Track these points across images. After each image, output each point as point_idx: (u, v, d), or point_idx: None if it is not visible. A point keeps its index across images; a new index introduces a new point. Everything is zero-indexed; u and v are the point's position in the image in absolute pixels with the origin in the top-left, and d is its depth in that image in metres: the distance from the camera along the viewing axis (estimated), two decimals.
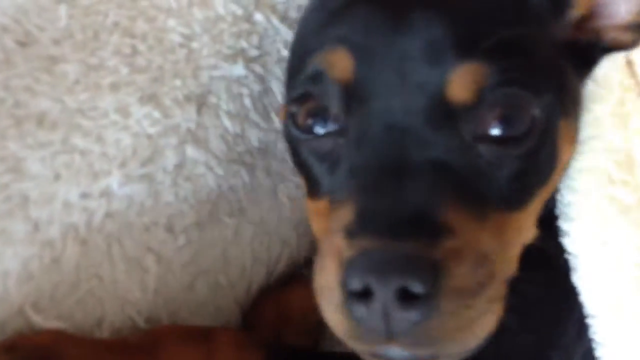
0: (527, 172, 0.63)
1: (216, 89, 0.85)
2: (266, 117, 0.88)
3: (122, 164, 0.78)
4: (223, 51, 0.87)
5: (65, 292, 0.74)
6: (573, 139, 0.68)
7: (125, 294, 0.77)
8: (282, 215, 0.90)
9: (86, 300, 0.75)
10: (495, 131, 0.61)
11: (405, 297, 0.53)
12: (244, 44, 0.88)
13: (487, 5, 0.64)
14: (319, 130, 0.65)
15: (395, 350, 0.57)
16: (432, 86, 0.60)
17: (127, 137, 0.79)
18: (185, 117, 0.82)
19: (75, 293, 0.74)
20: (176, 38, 0.85)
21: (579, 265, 0.70)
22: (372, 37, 0.62)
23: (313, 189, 0.67)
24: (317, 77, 0.64)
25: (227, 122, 0.85)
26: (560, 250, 0.70)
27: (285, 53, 0.92)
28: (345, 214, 0.58)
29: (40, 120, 0.76)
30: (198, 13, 0.87)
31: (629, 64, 0.69)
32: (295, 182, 0.90)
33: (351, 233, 0.57)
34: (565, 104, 0.66)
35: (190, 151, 0.82)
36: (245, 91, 0.87)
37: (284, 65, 0.91)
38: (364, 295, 0.54)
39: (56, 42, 0.79)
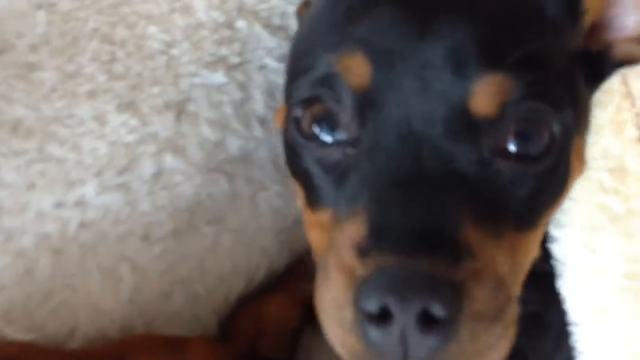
0: (543, 191, 0.61)
1: (196, 96, 0.85)
2: (247, 125, 0.88)
3: (98, 173, 0.78)
4: (204, 58, 0.87)
5: (38, 302, 0.73)
6: (583, 156, 0.66)
7: (99, 304, 0.76)
8: (262, 224, 0.89)
9: (59, 310, 0.74)
10: (515, 147, 0.59)
11: (426, 321, 0.50)
12: (225, 51, 0.88)
13: (511, 18, 0.62)
14: (326, 138, 0.61)
15: None
16: (454, 96, 0.57)
17: (104, 145, 0.78)
18: (164, 125, 0.82)
19: (48, 303, 0.74)
20: (156, 45, 0.85)
21: (566, 273, 0.69)
22: (392, 42, 0.59)
23: (314, 199, 0.63)
24: (328, 80, 0.60)
25: (206, 130, 0.84)
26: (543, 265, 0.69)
27: (267, 61, 0.91)
28: (356, 229, 0.55)
29: (15, 128, 0.75)
30: (179, 20, 0.87)
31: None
32: (276, 191, 0.90)
33: (364, 249, 0.54)
34: (579, 120, 0.64)
35: (169, 160, 0.81)
36: (225, 99, 0.86)
37: (266, 72, 0.91)
38: (380, 317, 0.51)
39: (33, 48, 0.79)
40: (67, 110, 0.78)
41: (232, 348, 0.79)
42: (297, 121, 0.63)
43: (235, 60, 0.88)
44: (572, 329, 0.70)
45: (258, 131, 0.88)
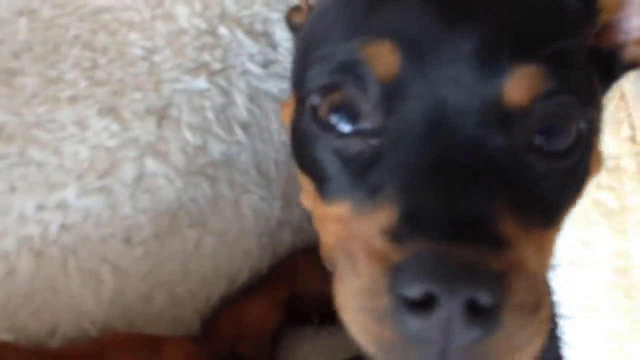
0: (568, 189, 0.61)
1: (178, 101, 0.86)
2: (229, 129, 0.89)
3: (79, 177, 0.79)
4: (186, 64, 0.88)
5: (19, 303, 0.74)
6: (600, 155, 0.65)
7: (79, 305, 0.77)
8: (245, 226, 0.90)
9: (40, 311, 0.75)
10: (544, 142, 0.58)
11: (472, 310, 0.48)
12: (207, 57, 0.89)
13: (539, 12, 0.61)
14: (344, 127, 0.59)
15: None
16: (488, 87, 0.56)
17: (85, 149, 0.80)
18: (145, 129, 0.83)
19: (29, 304, 0.75)
20: (138, 51, 0.86)
21: (558, 266, 0.69)
22: (422, 31, 0.57)
23: (328, 191, 0.60)
24: (349, 68, 0.58)
25: (188, 135, 0.85)
26: None
27: (249, 66, 0.93)
28: (386, 216, 0.53)
29: None
30: (161, 27, 0.89)
31: None
32: (258, 194, 0.91)
33: (399, 235, 0.51)
34: (597, 117, 0.63)
35: (150, 164, 0.82)
36: (207, 104, 0.88)
37: (249, 78, 0.92)
38: (421, 304, 0.48)
39: (15, 55, 0.80)
40: (48, 115, 0.79)
41: (211, 348, 0.80)
42: (314, 109, 0.60)
43: (217, 66, 0.89)
44: (560, 320, 0.70)
45: (240, 135, 0.89)
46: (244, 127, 0.90)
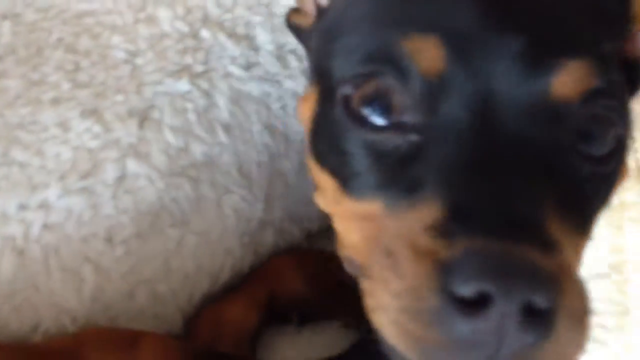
0: (604, 194, 0.60)
1: (160, 103, 0.87)
2: (211, 131, 0.90)
3: (61, 177, 0.80)
4: (168, 67, 0.89)
5: (1, 301, 0.76)
6: (627, 163, 0.63)
7: (61, 302, 0.78)
8: (227, 226, 0.91)
9: (22, 308, 0.77)
10: (585, 145, 0.57)
11: (528, 313, 0.45)
12: (189, 60, 0.91)
13: (586, 14, 0.61)
14: (378, 120, 0.57)
15: None
16: (536, 82, 0.55)
17: (67, 150, 0.81)
18: (127, 131, 0.84)
19: (11, 302, 0.76)
20: (120, 54, 0.88)
21: None
22: (468, 26, 0.56)
23: (355, 187, 0.58)
24: (388, 59, 0.56)
25: (169, 136, 0.87)
26: None
27: (232, 69, 0.94)
28: (429, 212, 0.50)
29: None
30: (143, 30, 0.90)
31: None
32: (240, 195, 0.92)
33: (448, 231, 0.49)
34: (630, 126, 0.62)
35: (132, 165, 0.84)
36: (189, 106, 0.89)
37: (231, 80, 0.94)
38: (473, 304, 0.46)
39: None
40: (31, 116, 0.80)
41: (190, 344, 0.81)
42: (346, 100, 0.58)
43: (199, 68, 0.91)
44: None
45: (222, 137, 0.91)
46: (226, 128, 0.91)
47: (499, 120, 0.54)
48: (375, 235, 0.55)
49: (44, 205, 0.79)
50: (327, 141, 0.61)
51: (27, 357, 0.71)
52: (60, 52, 0.84)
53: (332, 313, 0.93)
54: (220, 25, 0.94)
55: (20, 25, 0.84)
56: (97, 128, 0.83)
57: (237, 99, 0.93)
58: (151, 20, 0.91)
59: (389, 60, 0.56)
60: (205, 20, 0.94)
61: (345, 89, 0.58)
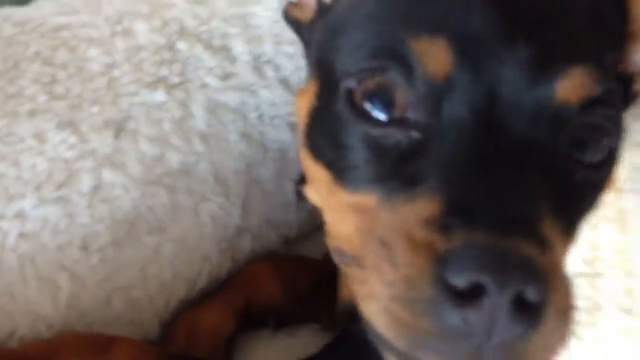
0: (592, 201, 0.62)
1: (136, 114, 0.89)
2: (187, 140, 0.92)
3: (37, 187, 0.82)
4: (144, 79, 0.91)
5: None
6: (613, 177, 0.65)
7: (37, 310, 0.80)
8: (204, 233, 0.93)
9: None
10: (578, 152, 0.59)
11: (519, 306, 0.48)
12: (165, 71, 0.93)
13: (588, 23, 0.62)
14: (380, 115, 0.58)
15: None
16: (541, 87, 0.56)
17: (43, 161, 0.83)
18: (103, 141, 0.86)
19: None
20: (97, 67, 0.90)
21: None
22: (477, 30, 0.56)
23: (351, 180, 0.59)
24: (394, 56, 0.57)
25: (145, 146, 0.88)
26: None
27: (208, 79, 0.96)
28: (427, 206, 0.52)
29: None
30: (120, 43, 0.92)
31: None
32: (217, 202, 0.94)
33: (446, 225, 0.50)
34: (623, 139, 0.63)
35: (107, 174, 0.85)
36: (165, 116, 0.91)
37: (207, 91, 0.95)
38: (467, 296, 0.48)
39: None
40: (7, 128, 0.82)
41: (165, 350, 0.82)
42: (349, 93, 0.59)
43: (175, 79, 0.93)
44: None
45: (199, 146, 0.92)
46: (202, 138, 0.93)
47: (502, 122, 0.55)
48: (369, 226, 0.56)
49: (20, 215, 0.81)
50: (325, 134, 0.62)
51: None
52: (37, 65, 0.86)
53: (308, 317, 0.94)
54: (197, 37, 0.96)
55: None
56: (73, 139, 0.85)
57: (213, 108, 0.95)
58: (128, 33, 0.93)
59: (395, 58, 0.57)
60: (182, 32, 0.96)
61: (349, 83, 0.59)
